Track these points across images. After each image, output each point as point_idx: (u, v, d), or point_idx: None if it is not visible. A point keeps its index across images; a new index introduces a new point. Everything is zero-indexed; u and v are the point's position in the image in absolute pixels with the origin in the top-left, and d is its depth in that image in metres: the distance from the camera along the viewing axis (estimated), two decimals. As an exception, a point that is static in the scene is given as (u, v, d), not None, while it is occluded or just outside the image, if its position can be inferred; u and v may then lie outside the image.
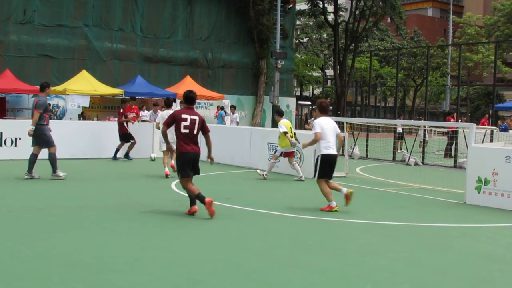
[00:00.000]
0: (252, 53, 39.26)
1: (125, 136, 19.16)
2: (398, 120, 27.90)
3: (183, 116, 9.84)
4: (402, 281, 6.41)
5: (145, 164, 18.41)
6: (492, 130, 21.34)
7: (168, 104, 15.27)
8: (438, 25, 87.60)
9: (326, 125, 10.68)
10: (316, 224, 9.55)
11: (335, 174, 16.10)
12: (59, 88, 26.44)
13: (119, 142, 19.25)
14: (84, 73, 27.07)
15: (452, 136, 23.59)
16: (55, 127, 19.39)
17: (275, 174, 16.55)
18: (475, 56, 62.49)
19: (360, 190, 14.03)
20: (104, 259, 6.93)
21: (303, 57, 63.88)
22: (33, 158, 13.73)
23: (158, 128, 14.88)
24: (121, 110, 19.39)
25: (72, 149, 18.86)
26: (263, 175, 15.37)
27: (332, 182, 10.96)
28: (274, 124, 36.55)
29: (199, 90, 30.68)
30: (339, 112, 47.89)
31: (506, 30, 62.50)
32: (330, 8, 53.41)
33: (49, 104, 28.18)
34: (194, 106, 10.32)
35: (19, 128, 18.38)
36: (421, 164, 21.67)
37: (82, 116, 26.79)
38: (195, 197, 9.76)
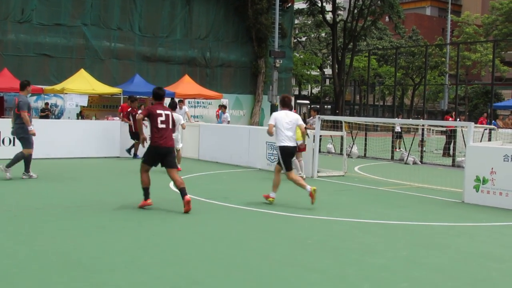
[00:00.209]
0: (250, 52, 39.24)
1: (134, 134, 19.27)
2: (396, 119, 27.91)
3: (159, 111, 10.28)
4: (400, 280, 6.41)
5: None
6: (490, 129, 21.35)
7: (173, 106, 15.64)
8: (436, 24, 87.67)
9: (282, 118, 11.05)
10: (315, 223, 9.55)
11: (333, 173, 16.24)
12: (58, 87, 26.45)
13: (118, 141, 19.26)
14: (82, 72, 27.06)
15: (451, 135, 23.60)
16: (53, 126, 19.47)
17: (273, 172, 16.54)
18: (473, 55, 62.52)
19: (358, 189, 14.06)
20: (103, 258, 6.93)
21: (302, 56, 63.87)
22: (28, 158, 13.67)
23: None
24: (129, 109, 19.59)
25: (70, 148, 18.85)
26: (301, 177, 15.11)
27: (294, 177, 11.33)
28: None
29: (197, 89, 30.73)
30: (337, 111, 47.86)
31: (504, 29, 62.55)
32: (328, 7, 53.47)
33: (47, 103, 28.23)
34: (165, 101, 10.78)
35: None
36: (420, 163, 21.68)
37: (81, 115, 26.80)
38: (142, 188, 10.35)
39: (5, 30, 29.84)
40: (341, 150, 20.99)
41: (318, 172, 15.62)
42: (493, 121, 27.74)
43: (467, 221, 10.40)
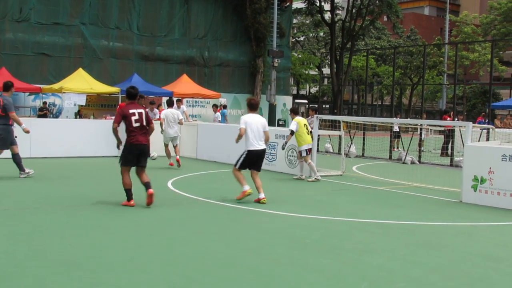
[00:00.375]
0: (249, 51, 39.24)
1: None
2: (394, 118, 27.92)
3: (131, 111, 10.48)
4: (398, 280, 6.41)
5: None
6: (488, 129, 21.35)
7: (170, 103, 15.71)
8: (434, 23, 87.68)
9: (252, 121, 11.30)
10: (313, 223, 9.55)
11: (331, 172, 16.25)
12: (56, 86, 26.42)
13: (115, 141, 19.23)
14: (80, 71, 27.05)
15: (449, 134, 23.61)
16: (51, 126, 19.47)
17: (272, 173, 16.56)
18: (471, 54, 62.56)
19: (356, 188, 14.06)
20: (100, 257, 6.93)
21: (300, 56, 63.84)
22: (17, 158, 13.61)
23: (162, 125, 17.28)
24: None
25: (68, 147, 18.84)
26: (316, 178, 14.96)
27: (259, 180, 11.39)
28: (271, 122, 36.65)
29: (195, 88, 30.72)
30: (335, 111, 47.86)
31: (502, 28, 62.61)
32: (326, 6, 53.42)
33: (45, 103, 28.21)
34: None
35: (16, 126, 18.33)
36: (418, 162, 21.69)
37: (79, 114, 26.77)
38: (125, 190, 10.47)
39: (3, 29, 29.83)
40: (339, 149, 21.00)
41: (301, 173, 15.66)
42: (481, 120, 27.71)
43: (465, 220, 10.41)
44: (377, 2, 50.21)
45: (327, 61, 63.50)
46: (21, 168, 13.60)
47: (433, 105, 72.68)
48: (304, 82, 68.64)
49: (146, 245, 7.65)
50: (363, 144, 24.23)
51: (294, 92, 68.53)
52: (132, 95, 10.75)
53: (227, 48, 38.63)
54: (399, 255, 7.51)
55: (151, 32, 34.94)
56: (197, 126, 20.95)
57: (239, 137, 11.37)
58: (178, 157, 17.46)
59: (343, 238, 8.47)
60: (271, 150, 17.09)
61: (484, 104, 58.32)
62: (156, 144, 18.88)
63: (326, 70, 69.46)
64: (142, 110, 10.65)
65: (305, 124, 15.23)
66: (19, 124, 13.45)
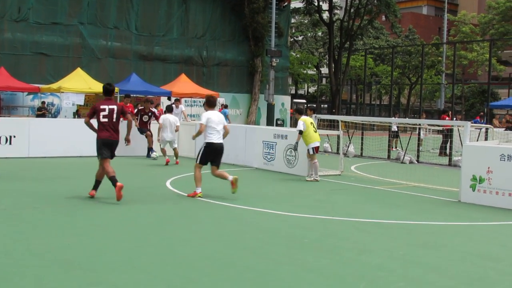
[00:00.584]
0: (247, 51, 39.25)
1: (141, 131, 19.43)
2: (393, 118, 27.93)
3: (102, 107, 10.95)
4: (397, 280, 6.42)
5: (141, 162, 18.39)
6: (487, 128, 21.37)
7: (169, 110, 16.10)
8: (433, 23, 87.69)
9: (212, 118, 11.68)
10: (311, 222, 9.55)
11: (330, 172, 16.24)
12: (54, 86, 26.42)
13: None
14: (79, 71, 27.05)
15: (447, 134, 23.62)
16: (50, 125, 19.46)
17: (271, 172, 16.57)
18: (469, 54, 62.57)
19: (355, 188, 14.07)
20: (99, 257, 6.93)
21: (298, 55, 63.85)
22: None
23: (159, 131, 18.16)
24: (140, 108, 20.00)
25: (67, 147, 18.81)
26: (315, 179, 14.92)
27: (220, 170, 11.85)
28: (270, 122, 36.66)
29: (194, 88, 30.72)
30: (334, 110, 47.85)
31: (500, 28, 62.62)
32: (325, 6, 53.41)
33: (44, 102, 28.21)
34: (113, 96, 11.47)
35: (14, 126, 18.38)
36: (416, 162, 21.70)
37: (77, 114, 26.75)
38: (109, 178, 10.72)
39: (2, 29, 29.82)
40: (338, 149, 21.01)
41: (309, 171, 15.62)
42: (476, 119, 27.74)
43: (464, 220, 10.42)
44: (375, 1, 50.25)
45: (325, 60, 63.56)
46: None
47: (431, 104, 72.70)
48: (303, 82, 68.68)
49: (144, 244, 7.65)
50: (362, 143, 24.22)
51: (293, 91, 68.53)
52: (108, 92, 11.26)
53: (225, 48, 38.63)
54: (397, 254, 7.52)
55: (150, 32, 34.94)
56: (195, 126, 20.91)
57: (199, 133, 11.73)
58: (177, 160, 18.26)
59: (341, 237, 8.47)
60: (269, 150, 17.10)
61: (482, 103, 58.35)
62: (156, 144, 18.91)
63: (325, 70, 69.51)
64: (114, 107, 11.00)
65: (311, 123, 15.22)
66: None
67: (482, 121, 28.45)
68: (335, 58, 50.83)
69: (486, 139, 20.40)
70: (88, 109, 27.15)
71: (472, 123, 28.67)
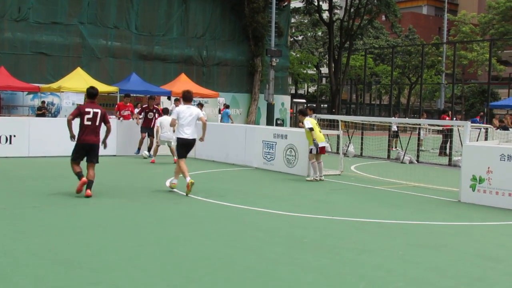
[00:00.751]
0: (247, 51, 39.24)
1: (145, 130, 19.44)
2: (393, 118, 27.92)
3: (87, 110, 11.27)
4: (396, 280, 6.42)
5: (140, 161, 18.40)
6: (486, 128, 21.37)
7: (165, 112, 16.04)
8: (433, 23, 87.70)
9: (184, 112, 11.98)
10: (311, 222, 9.55)
11: (330, 172, 16.24)
12: (54, 85, 26.42)
13: (114, 139, 19.31)
14: (79, 71, 27.05)
15: (447, 134, 23.62)
16: (50, 125, 19.45)
17: (271, 172, 16.57)
18: (469, 54, 62.57)
19: (355, 188, 14.07)
20: (99, 256, 6.93)
21: (298, 55, 63.85)
22: None
23: (157, 133, 18.26)
24: (144, 106, 20.04)
25: (67, 146, 18.73)
26: (314, 178, 14.85)
27: (185, 165, 12.08)
28: (269, 122, 36.66)
29: (194, 87, 30.66)
30: (334, 110, 47.86)
31: (500, 28, 62.61)
32: (325, 6, 53.43)
33: (44, 102, 28.21)
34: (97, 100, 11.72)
35: (14, 125, 18.40)
36: (416, 162, 21.70)
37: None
38: (75, 174, 11.20)
39: (2, 28, 29.82)
40: (338, 149, 21.01)
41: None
42: (475, 118, 27.75)
43: (464, 220, 10.42)
44: (375, 1, 50.25)
45: (325, 60, 63.54)
46: None
47: (431, 104, 72.71)
48: (302, 82, 68.68)
49: (144, 244, 7.65)
50: (362, 143, 24.22)
51: (293, 91, 68.52)
52: (92, 95, 11.54)
53: (225, 48, 38.63)
54: (397, 254, 7.52)
55: (149, 32, 34.94)
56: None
57: (171, 126, 12.44)
58: (175, 158, 17.80)
59: (341, 237, 8.48)
60: (269, 149, 17.11)
61: (482, 103, 58.36)
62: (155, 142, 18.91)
63: (324, 70, 69.50)
64: (98, 110, 11.34)
65: (316, 123, 15.21)
66: None
67: (481, 121, 28.45)
68: (335, 58, 50.84)
69: (486, 139, 20.40)
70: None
71: (470, 122, 28.79)
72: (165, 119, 18.16)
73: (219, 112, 32.33)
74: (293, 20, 62.81)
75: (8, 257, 6.81)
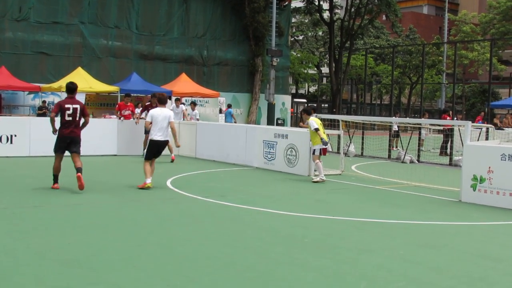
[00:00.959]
0: (247, 50, 39.23)
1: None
2: (393, 117, 27.91)
3: (67, 106, 11.89)
4: (397, 279, 6.42)
5: (141, 161, 18.38)
6: (487, 128, 21.36)
7: (162, 101, 15.38)
8: (433, 22, 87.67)
9: (158, 115, 12.58)
10: (312, 222, 9.55)
11: (330, 172, 16.23)
12: (55, 85, 26.41)
13: (115, 139, 19.33)
14: (79, 70, 27.04)
15: (448, 134, 23.61)
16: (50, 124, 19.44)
17: (271, 172, 16.57)
18: (470, 53, 62.53)
19: (355, 188, 14.07)
20: (99, 256, 6.93)
21: (299, 55, 63.85)
22: None
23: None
24: (147, 104, 20.09)
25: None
26: (320, 179, 14.61)
27: (149, 165, 12.59)
28: (270, 121, 36.66)
29: (194, 87, 30.71)
30: (334, 110, 47.86)
31: (501, 27, 62.57)
32: (325, 5, 53.43)
33: (44, 101, 28.22)
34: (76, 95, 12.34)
35: (15, 125, 18.41)
36: (417, 162, 21.69)
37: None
38: (53, 175, 12.03)
39: (3, 28, 29.82)
40: (338, 148, 21.01)
41: (315, 170, 15.61)
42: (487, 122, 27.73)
43: (464, 220, 10.42)
44: (376, 1, 50.23)
45: (326, 60, 63.47)
46: None
47: (432, 104, 72.70)
48: (303, 81, 68.67)
49: (145, 243, 7.66)
50: (362, 143, 24.22)
51: (293, 91, 68.50)
52: (71, 90, 12.17)
53: (226, 47, 38.62)
54: (398, 254, 7.52)
55: (150, 31, 34.94)
56: (196, 125, 20.95)
57: (146, 128, 12.81)
58: (173, 155, 18.51)
59: (342, 237, 8.48)
60: (270, 149, 17.10)
61: (483, 103, 58.34)
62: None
63: (325, 69, 69.45)
64: (77, 106, 11.99)
65: (321, 123, 15.16)
66: None
67: (480, 121, 28.43)
68: (336, 57, 50.81)
69: (487, 138, 20.39)
70: (90, 109, 27.29)
71: (481, 119, 28.72)
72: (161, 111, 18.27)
73: (220, 112, 32.33)
74: (293, 20, 62.78)
75: (8, 256, 6.81)
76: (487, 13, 67.03)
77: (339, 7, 57.91)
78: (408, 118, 40.81)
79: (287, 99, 43.66)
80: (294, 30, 67.53)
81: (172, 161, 18.20)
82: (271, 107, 37.42)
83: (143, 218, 9.32)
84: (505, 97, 48.47)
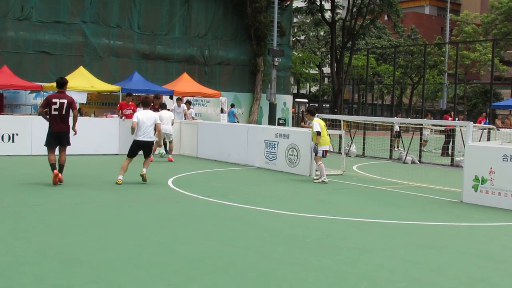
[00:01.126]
0: (249, 50, 39.22)
1: None
2: (395, 118, 27.89)
3: (54, 100, 12.26)
4: (398, 280, 6.41)
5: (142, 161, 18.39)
6: (489, 129, 21.34)
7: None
8: (435, 23, 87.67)
9: (143, 117, 13.12)
10: (313, 222, 9.55)
11: (332, 172, 16.23)
12: (56, 84, 26.40)
13: (116, 138, 19.33)
14: (81, 70, 27.04)
15: (449, 134, 23.60)
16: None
17: (273, 172, 16.57)
18: (472, 54, 62.50)
19: (357, 188, 14.06)
20: (100, 255, 6.94)
21: (300, 55, 63.82)
22: None
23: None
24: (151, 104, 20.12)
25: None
26: (322, 180, 14.53)
27: (147, 160, 13.42)
28: (272, 121, 36.65)
29: (196, 87, 30.70)
30: (336, 110, 47.83)
31: (503, 28, 62.52)
32: (327, 5, 53.43)
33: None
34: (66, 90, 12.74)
35: (17, 124, 18.44)
36: (418, 162, 21.68)
37: (79, 112, 26.77)
38: (50, 164, 12.30)
39: (5, 28, 29.83)
40: (340, 149, 21.00)
41: (316, 171, 15.62)
42: (485, 121, 27.72)
43: (466, 221, 10.41)
44: (378, 1, 50.20)
45: (328, 60, 63.47)
46: None
47: (433, 104, 72.68)
48: (305, 81, 68.62)
49: (146, 243, 7.66)
50: (364, 143, 24.22)
51: (295, 91, 68.50)
52: (60, 84, 12.55)
53: (228, 47, 38.60)
54: (399, 254, 7.51)
55: (152, 31, 34.92)
56: (197, 124, 20.96)
57: (132, 129, 13.14)
58: (170, 157, 18.78)
59: (343, 237, 8.47)
60: (271, 149, 17.11)
61: (485, 104, 58.28)
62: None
63: (327, 69, 69.44)
64: (65, 100, 12.30)
65: (324, 125, 15.10)
66: None
67: (487, 121, 28.44)
68: (337, 57, 50.80)
69: (488, 139, 20.38)
70: (91, 108, 27.33)
71: (484, 120, 28.69)
72: (164, 113, 18.61)
73: (222, 112, 32.33)
74: (295, 20, 62.75)
75: (9, 255, 6.81)
76: (489, 14, 66.99)
77: (340, 7, 57.87)
78: (409, 119, 40.77)
79: (289, 99, 43.65)
80: (295, 30, 67.54)
81: (167, 159, 18.38)
82: (272, 107, 37.40)
83: (144, 217, 9.33)
84: (507, 98, 48.44)
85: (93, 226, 8.54)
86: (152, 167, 16.62)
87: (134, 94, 24.87)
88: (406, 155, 21.64)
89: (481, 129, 21.23)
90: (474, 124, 16.05)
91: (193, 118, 23.18)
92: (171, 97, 28.38)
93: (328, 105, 64.81)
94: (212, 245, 7.67)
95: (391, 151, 23.63)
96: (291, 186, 14.06)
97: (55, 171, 12.12)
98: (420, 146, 23.33)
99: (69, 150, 18.61)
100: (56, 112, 12.23)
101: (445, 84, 54.11)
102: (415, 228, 9.46)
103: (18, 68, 28.47)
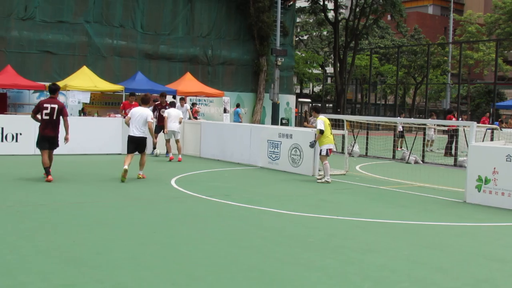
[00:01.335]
0: (252, 50, 39.21)
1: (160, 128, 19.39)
2: (398, 118, 27.87)
3: (45, 105, 12.73)
4: (401, 280, 6.42)
5: (147, 160, 18.40)
6: (492, 129, 21.33)
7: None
8: (438, 23, 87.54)
9: (136, 113, 13.63)
10: (316, 222, 9.55)
11: (335, 172, 16.23)
12: (60, 84, 26.42)
13: (120, 138, 19.37)
14: (84, 69, 27.08)
15: (453, 134, 23.58)
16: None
17: (276, 172, 16.58)
18: (475, 54, 62.42)
19: (360, 188, 14.06)
20: (104, 254, 6.95)
21: (303, 55, 63.79)
22: None
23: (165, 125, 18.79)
24: (156, 103, 20.24)
25: (72, 144, 18.81)
26: (326, 180, 14.54)
27: (142, 159, 13.95)
28: (274, 121, 36.65)
29: (199, 87, 30.74)
30: (339, 110, 47.81)
31: (507, 28, 62.42)
32: (330, 5, 53.35)
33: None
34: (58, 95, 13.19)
35: (20, 123, 18.45)
36: (421, 162, 21.67)
37: (83, 112, 26.81)
38: (44, 168, 12.79)
39: (9, 27, 29.87)
40: (343, 149, 21.00)
41: (319, 170, 15.62)
42: (495, 122, 27.69)
43: (469, 221, 10.40)
44: (381, 1, 50.12)
45: (331, 60, 63.44)
46: None
47: (437, 104, 72.59)
48: (308, 81, 68.63)
49: (149, 242, 7.67)
50: (367, 143, 24.21)
51: (298, 91, 68.47)
52: (52, 90, 13.11)
53: (231, 47, 38.60)
54: (402, 255, 7.51)
55: (155, 31, 34.94)
56: (200, 124, 20.97)
57: (126, 124, 13.88)
58: (180, 156, 18.77)
59: (346, 237, 8.47)
60: (274, 149, 17.11)
61: (488, 103, 58.22)
62: (158, 141, 18.92)
63: (330, 69, 69.40)
64: (56, 105, 12.74)
65: (329, 124, 15.11)
66: None
67: (491, 121, 28.40)
68: (340, 57, 50.75)
69: (492, 139, 20.36)
70: (94, 107, 27.37)
71: (487, 120, 28.63)
72: (172, 111, 18.98)
73: (225, 112, 32.34)
74: (298, 20, 62.71)
75: (14, 254, 6.83)
76: (492, 13, 66.89)
77: (344, 7, 57.87)
78: (413, 119, 40.76)
79: (292, 98, 43.63)
80: (298, 30, 67.52)
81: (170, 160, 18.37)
82: (275, 107, 37.40)
83: (148, 217, 9.34)
84: (510, 98, 48.45)
85: (97, 226, 8.56)
86: (155, 167, 16.67)
87: (137, 93, 24.86)
88: (409, 155, 21.63)
89: (488, 128, 21.18)
90: (478, 124, 16.03)
91: (196, 113, 23.24)
92: (174, 97, 28.38)
93: (331, 105, 64.75)
94: (215, 244, 7.68)
95: (394, 151, 23.62)
96: (294, 186, 14.06)
97: (49, 177, 12.68)
98: (423, 146, 23.30)
99: (72, 149, 18.77)
100: (47, 117, 12.71)
101: (448, 84, 54.04)
102: (418, 228, 9.46)
103: (22, 68, 28.53)
